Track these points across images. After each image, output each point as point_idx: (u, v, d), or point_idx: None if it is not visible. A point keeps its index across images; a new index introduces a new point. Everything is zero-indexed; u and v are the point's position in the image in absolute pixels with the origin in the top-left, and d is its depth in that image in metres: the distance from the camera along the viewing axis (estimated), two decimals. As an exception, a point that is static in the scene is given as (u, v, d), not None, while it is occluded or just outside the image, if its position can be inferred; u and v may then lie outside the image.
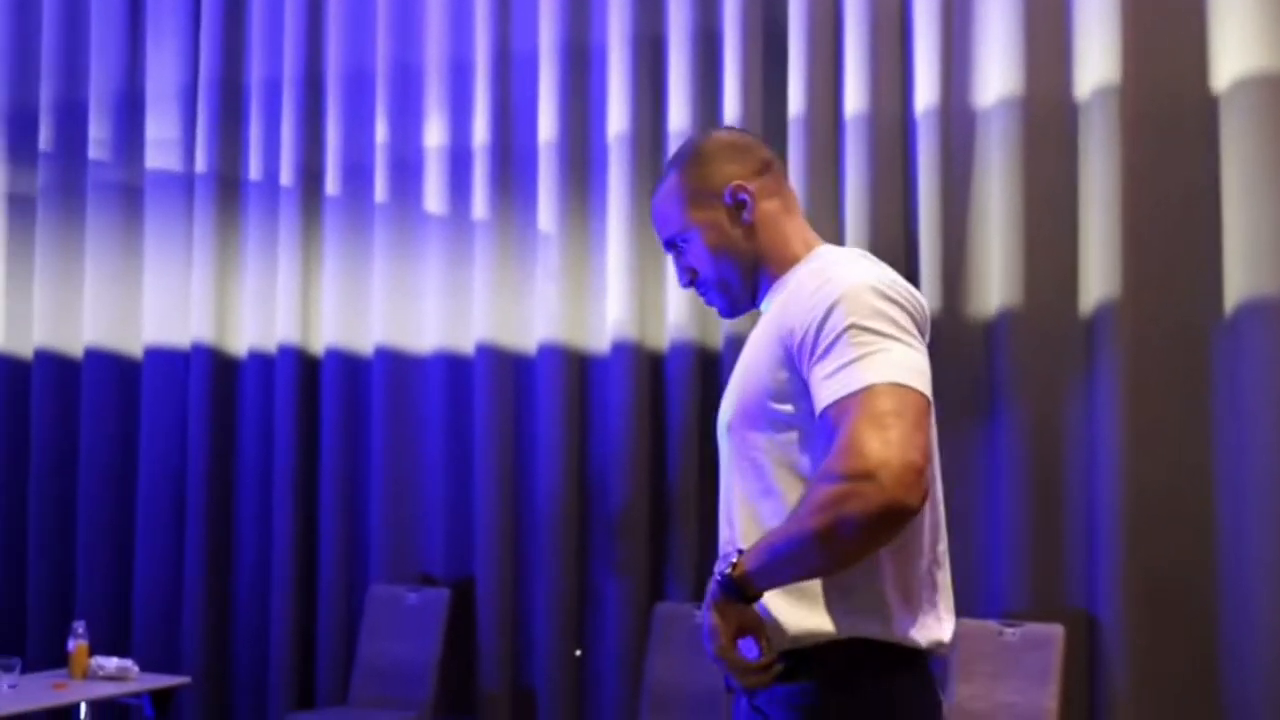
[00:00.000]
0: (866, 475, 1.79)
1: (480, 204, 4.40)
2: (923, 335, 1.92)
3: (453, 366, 4.42)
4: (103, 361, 4.93)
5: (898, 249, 3.90)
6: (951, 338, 3.80)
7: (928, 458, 1.84)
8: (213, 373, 4.78)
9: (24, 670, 3.98)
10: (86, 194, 4.97)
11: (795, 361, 1.92)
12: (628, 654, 4.13)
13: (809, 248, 2.05)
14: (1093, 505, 3.65)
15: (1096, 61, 3.65)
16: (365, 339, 4.58)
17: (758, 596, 1.88)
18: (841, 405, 1.85)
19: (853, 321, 1.87)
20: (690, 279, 2.08)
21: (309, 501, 4.63)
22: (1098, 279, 3.65)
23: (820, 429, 1.89)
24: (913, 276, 3.87)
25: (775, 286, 2.03)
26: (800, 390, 1.92)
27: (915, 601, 1.92)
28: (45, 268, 5.01)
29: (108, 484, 4.90)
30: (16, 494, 5.01)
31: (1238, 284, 3.53)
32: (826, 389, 1.87)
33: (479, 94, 4.42)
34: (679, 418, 4.11)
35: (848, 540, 1.79)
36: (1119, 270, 3.61)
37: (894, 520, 1.79)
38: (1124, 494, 3.58)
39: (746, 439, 2.01)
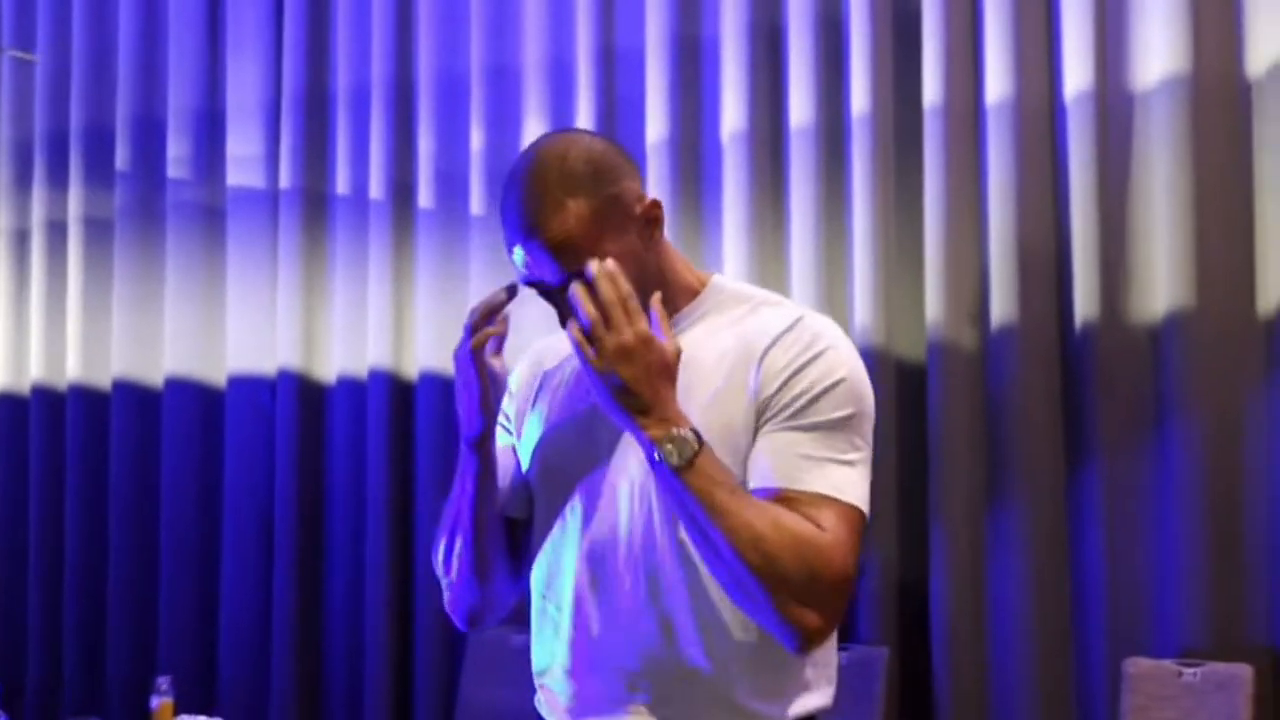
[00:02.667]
0: (830, 583, 1.71)
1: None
2: None
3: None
4: (185, 391, 4.67)
5: (1048, 249, 3.56)
6: (1113, 346, 3.46)
7: None
8: (300, 401, 4.50)
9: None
10: (165, 215, 4.73)
11: (757, 417, 1.79)
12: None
13: (700, 279, 1.94)
14: (1277, 529, 3.29)
15: (1272, 32, 3.31)
16: (462, 361, 4.28)
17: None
18: (824, 505, 1.73)
19: (846, 411, 1.77)
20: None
21: (405, 537, 4.33)
22: (1278, 275, 3.29)
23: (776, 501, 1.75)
24: (1065, 279, 3.54)
25: (680, 321, 1.87)
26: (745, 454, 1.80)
27: None
28: (123, 293, 4.77)
29: (191, 524, 4.64)
30: (96, 537, 4.76)
31: None
32: (809, 472, 1.75)
33: (581, 95, 4.13)
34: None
35: (774, 577, 1.69)
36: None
37: (803, 627, 1.72)
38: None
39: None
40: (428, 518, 4.25)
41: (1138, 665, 3.29)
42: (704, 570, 1.77)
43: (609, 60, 4.14)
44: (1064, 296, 3.55)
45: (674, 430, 1.72)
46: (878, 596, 3.63)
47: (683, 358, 1.77)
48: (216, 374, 4.68)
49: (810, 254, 3.79)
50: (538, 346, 2.05)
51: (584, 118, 4.11)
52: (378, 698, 4.29)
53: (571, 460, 1.89)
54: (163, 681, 3.76)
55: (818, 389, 1.77)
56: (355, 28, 4.50)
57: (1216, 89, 3.41)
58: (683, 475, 1.70)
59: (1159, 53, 3.43)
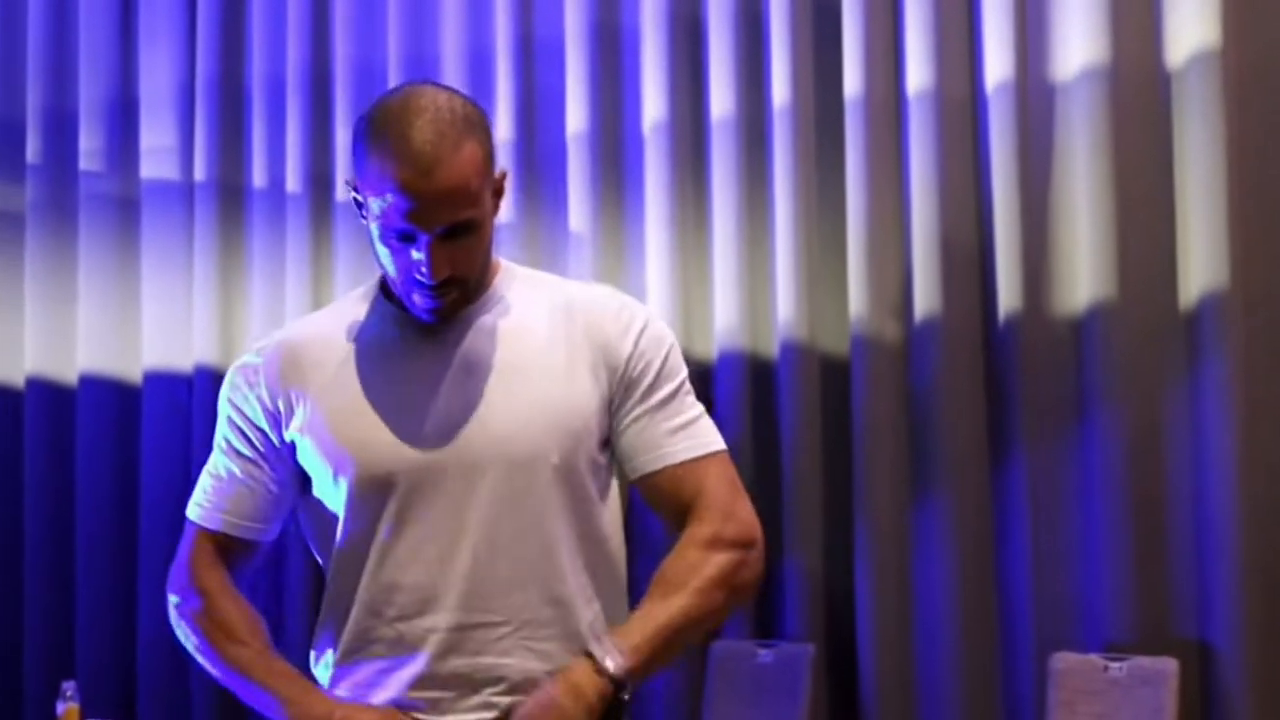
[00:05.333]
0: (751, 543, 1.84)
1: (505, 204, 4.02)
2: None
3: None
4: (99, 388, 4.57)
5: (970, 241, 3.54)
6: (1036, 339, 3.45)
7: None
8: (214, 395, 4.41)
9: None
10: (78, 208, 4.62)
11: (612, 402, 1.85)
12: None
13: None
14: (1201, 521, 3.29)
15: (1192, 24, 3.29)
16: (382, 356, 4.23)
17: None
18: (698, 466, 1.85)
19: (684, 373, 1.89)
20: (448, 274, 1.75)
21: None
22: (1200, 267, 3.29)
23: (656, 485, 1.85)
24: (988, 271, 3.53)
25: (484, 298, 1.85)
26: (605, 432, 1.86)
27: None
28: (35, 289, 4.66)
29: (108, 524, 4.55)
30: (10, 538, 4.66)
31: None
32: (674, 443, 1.85)
33: (500, 85, 4.07)
34: (730, 433, 3.74)
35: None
36: (1224, 256, 3.25)
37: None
38: (1236, 507, 3.22)
39: (566, 481, 1.83)
40: None
41: (1064, 660, 3.29)
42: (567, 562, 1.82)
43: (528, 50, 4.08)
44: (987, 289, 3.53)
45: (602, 683, 1.72)
46: (803, 593, 3.61)
47: (512, 328, 1.83)
48: (132, 370, 4.58)
49: (732, 246, 3.75)
50: (281, 342, 1.92)
51: (503, 108, 4.05)
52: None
53: (404, 456, 1.81)
54: (68, 687, 3.67)
55: (657, 364, 1.86)
56: (270, 17, 4.41)
57: (1136, 80, 3.40)
58: (645, 674, 1.76)
59: (1079, 43, 3.42)
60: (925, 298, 3.52)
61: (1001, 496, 3.48)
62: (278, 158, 4.39)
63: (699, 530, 1.81)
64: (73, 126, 4.65)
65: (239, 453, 1.90)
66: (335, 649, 1.87)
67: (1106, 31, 3.38)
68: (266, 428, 1.87)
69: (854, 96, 3.60)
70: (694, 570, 1.79)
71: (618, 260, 3.95)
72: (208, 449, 4.37)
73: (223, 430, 1.93)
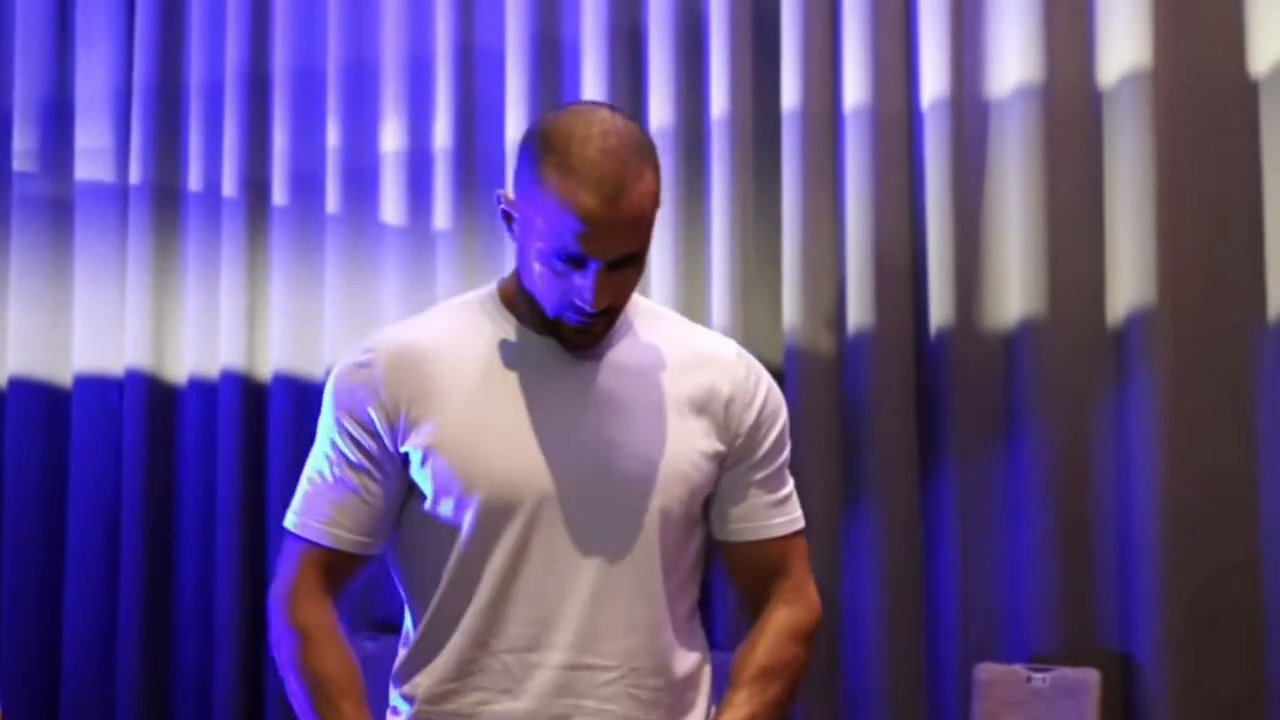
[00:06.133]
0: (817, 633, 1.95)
1: (442, 213, 4.04)
2: None
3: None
4: (28, 391, 4.52)
5: (904, 255, 3.57)
6: (967, 353, 3.48)
7: None
8: (149, 402, 4.38)
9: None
10: (10, 209, 4.56)
11: (724, 462, 1.86)
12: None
13: None
14: (1126, 535, 3.33)
15: (1124, 44, 3.34)
16: (317, 362, 4.20)
17: None
18: (789, 542, 1.91)
19: (789, 445, 1.94)
20: (608, 304, 1.75)
21: (256, 543, 4.23)
22: (1128, 284, 3.33)
23: (746, 553, 1.88)
24: (921, 284, 3.56)
25: (615, 329, 1.84)
26: (712, 490, 1.88)
27: None
28: (-35, 290, 4.62)
29: (34, 530, 4.48)
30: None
31: (1283, 286, 3.22)
32: (774, 517, 1.89)
33: (440, 93, 4.07)
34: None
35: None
36: (1152, 273, 3.29)
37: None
38: (1161, 522, 3.26)
39: (674, 531, 1.84)
40: (280, 522, 4.14)
41: (988, 670, 3.31)
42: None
43: (468, 59, 4.08)
44: (920, 303, 3.56)
45: None
46: (732, 602, 3.62)
47: (644, 368, 1.83)
48: (62, 373, 4.53)
49: (669, 256, 3.76)
50: (399, 347, 1.85)
51: (443, 116, 4.05)
52: (227, 708, 4.19)
53: (533, 485, 1.78)
54: (-8, 693, 3.64)
55: (773, 437, 1.89)
56: (209, 19, 4.38)
57: (1068, 98, 3.44)
58: None
59: (1013, 61, 3.45)
60: (859, 310, 3.54)
61: (930, 508, 3.50)
62: (214, 161, 4.35)
63: (793, 618, 1.89)
64: (6, 127, 4.59)
65: (351, 461, 1.83)
66: (427, 675, 1.84)
67: (1040, 50, 3.42)
68: (384, 436, 1.81)
69: (791, 110, 3.62)
70: (788, 667, 1.86)
71: (554, 269, 3.95)
72: (139, 454, 4.41)
73: (330, 435, 1.85)
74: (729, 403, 1.85)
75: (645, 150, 1.71)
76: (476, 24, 4.09)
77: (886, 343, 3.52)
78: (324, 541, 1.85)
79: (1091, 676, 3.21)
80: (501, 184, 4.01)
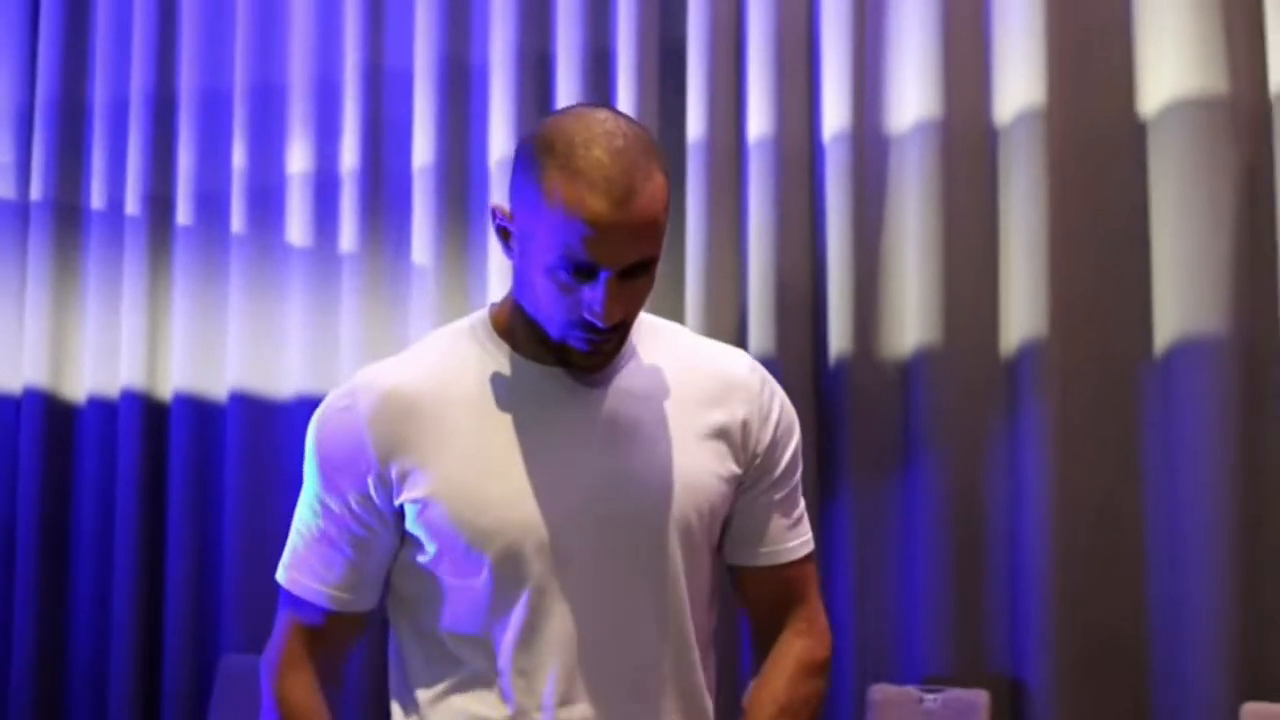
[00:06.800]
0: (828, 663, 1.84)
1: (348, 235, 4.05)
2: None
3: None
4: (-77, 408, 4.45)
5: (804, 284, 3.63)
6: (865, 381, 3.54)
7: None
8: (47, 421, 4.33)
9: None
10: (-93, 224, 4.51)
11: (742, 484, 1.75)
12: None
13: None
14: (1018, 562, 3.40)
15: (1019, 83, 3.43)
16: (219, 383, 4.19)
17: None
18: (803, 566, 1.81)
19: (801, 462, 1.82)
20: (620, 317, 1.58)
21: (155, 564, 4.20)
22: (1020, 315, 3.41)
23: (762, 579, 1.79)
24: (820, 313, 3.62)
25: (622, 351, 1.70)
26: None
27: None
28: None
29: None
30: None
31: (1168, 319, 3.31)
32: (790, 540, 1.80)
33: (347, 115, 4.08)
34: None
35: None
36: (1044, 305, 3.37)
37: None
38: (1051, 547, 3.33)
39: (698, 559, 1.73)
40: (179, 542, 4.12)
41: (882, 691, 3.37)
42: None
43: (376, 81, 4.09)
44: (819, 331, 3.62)
45: None
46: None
47: (654, 389, 1.70)
48: (-42, 391, 4.48)
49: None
50: (385, 390, 1.68)
51: (350, 138, 4.05)
52: (122, 726, 4.15)
53: (550, 529, 1.64)
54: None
55: (789, 454, 1.79)
56: (115, 37, 4.37)
57: (966, 134, 3.52)
58: None
59: (912, 97, 3.53)
60: (760, 338, 3.60)
61: (828, 533, 3.56)
62: (118, 179, 4.33)
63: (809, 651, 1.79)
64: (-95, 141, 4.55)
65: (338, 517, 1.68)
66: None
67: (939, 87, 3.50)
68: (373, 491, 1.66)
69: (696, 140, 3.68)
70: (807, 704, 1.76)
71: (461, 293, 3.97)
72: (34, 474, 4.36)
73: (316, 491, 1.69)
74: (745, 423, 1.73)
75: (653, 151, 1.57)
76: (385, 46, 4.11)
77: (787, 370, 3.57)
78: (315, 601, 1.71)
79: (981, 698, 3.28)
80: (408, 209, 4.02)
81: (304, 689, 1.72)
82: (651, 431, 1.68)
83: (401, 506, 1.66)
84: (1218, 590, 3.18)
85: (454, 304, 3.95)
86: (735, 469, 1.73)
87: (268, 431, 4.11)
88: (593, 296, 1.55)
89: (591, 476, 1.65)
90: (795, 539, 1.81)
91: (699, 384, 1.74)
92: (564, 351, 1.64)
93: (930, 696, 3.32)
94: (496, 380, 1.67)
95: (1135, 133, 3.39)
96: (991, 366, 3.48)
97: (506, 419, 1.65)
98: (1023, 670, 3.35)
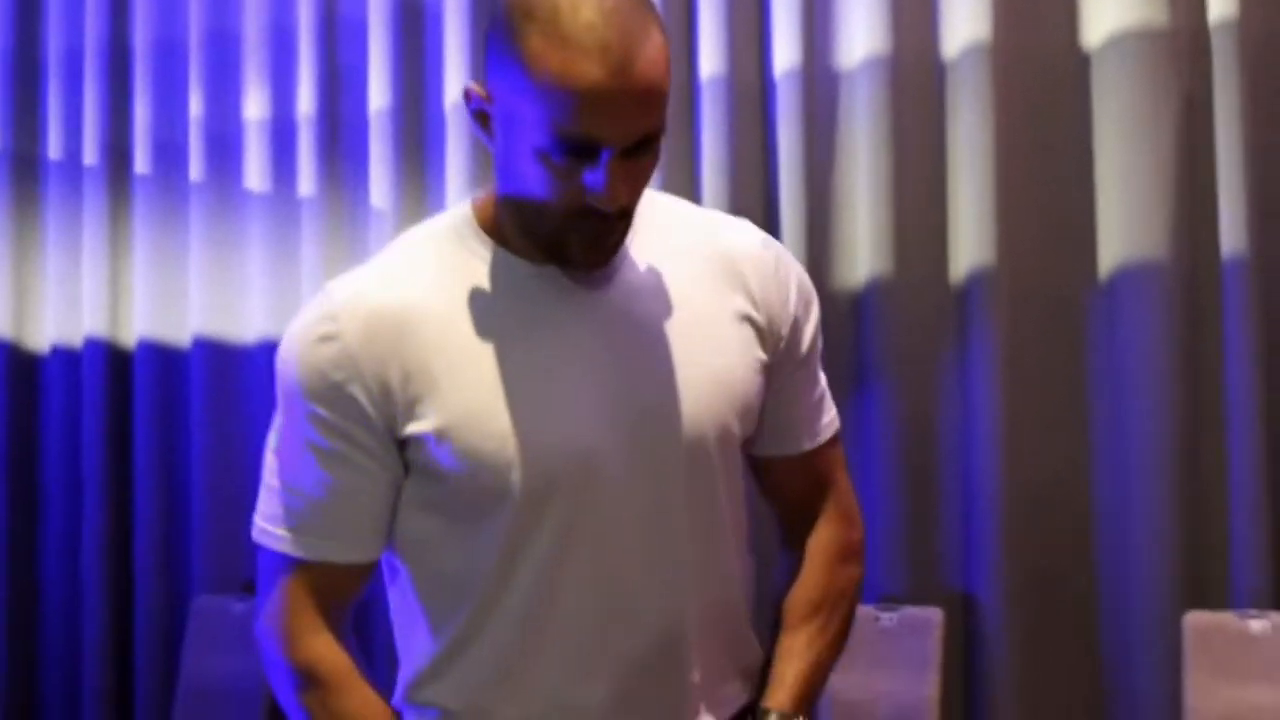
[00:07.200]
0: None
1: (306, 179, 4.09)
2: None
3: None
4: (-115, 361, 4.47)
5: (758, 218, 3.70)
6: (821, 312, 3.60)
7: None
8: (11, 370, 4.37)
9: None
10: None
11: (768, 370, 1.57)
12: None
13: None
14: (968, 482, 3.50)
15: (965, 18, 3.50)
16: (182, 329, 4.23)
17: None
18: (835, 449, 1.68)
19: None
20: (626, 200, 1.39)
21: (122, 508, 4.26)
22: (969, 246, 3.49)
23: (795, 467, 1.64)
24: (775, 248, 3.68)
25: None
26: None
27: None
28: None
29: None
30: None
31: (1112, 247, 3.40)
32: (822, 417, 1.66)
33: (303, 62, 4.11)
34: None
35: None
36: (992, 236, 3.46)
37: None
38: (1000, 469, 3.43)
39: (734, 464, 1.57)
40: (147, 487, 4.17)
41: (840, 613, 3.47)
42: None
43: (331, 28, 4.12)
44: (774, 265, 3.68)
45: None
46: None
47: (668, 280, 1.51)
48: (-80, 343, 4.50)
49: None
50: (370, 309, 1.46)
51: (306, 85, 4.09)
52: (96, 668, 4.21)
53: (573, 454, 1.45)
54: None
55: (810, 327, 1.62)
56: (68, -12, 4.38)
57: (914, 69, 3.59)
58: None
59: (861, 34, 3.59)
60: (716, 273, 3.66)
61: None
62: (74, 130, 4.36)
63: (840, 536, 1.66)
64: None
65: (336, 456, 1.46)
66: (467, 676, 1.52)
67: (887, 24, 3.56)
68: (375, 421, 1.45)
69: (649, 79, 3.72)
70: (844, 595, 1.65)
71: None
72: (0, 425, 4.34)
73: (302, 430, 1.47)
74: (766, 303, 1.55)
75: (647, 8, 1.36)
76: (339, -7, 4.14)
77: (742, 304, 3.63)
78: (319, 557, 1.49)
79: (936, 615, 3.38)
80: (365, 153, 4.05)
81: (331, 649, 1.51)
82: (672, 328, 1.49)
83: (406, 440, 1.46)
84: (1160, 506, 3.29)
85: (414, 246, 3.98)
86: (763, 355, 1.55)
87: (232, 376, 4.16)
88: (594, 179, 1.36)
89: (616, 388, 1.46)
90: (825, 417, 1.66)
91: (710, 265, 1.55)
92: (562, 248, 1.44)
93: (886, 615, 3.42)
94: (495, 287, 1.47)
95: (1079, 65, 3.47)
96: (942, 296, 3.57)
97: (512, 331, 1.45)
98: (974, 587, 3.46)
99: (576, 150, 1.35)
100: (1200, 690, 3.14)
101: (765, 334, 1.56)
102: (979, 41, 3.47)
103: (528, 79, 1.33)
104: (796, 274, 1.62)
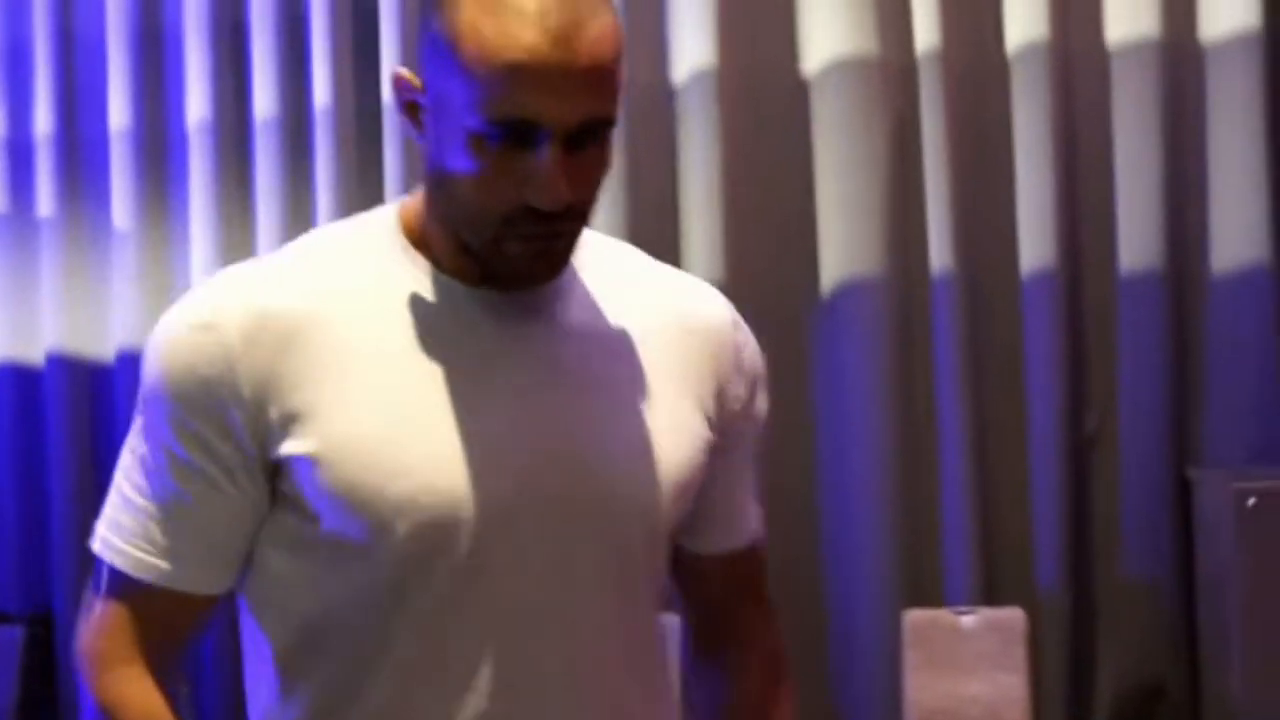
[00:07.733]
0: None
1: (45, 200, 4.03)
2: None
3: (20, 378, 4.03)
4: None
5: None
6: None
7: None
8: None
9: None
10: None
11: (714, 450, 1.36)
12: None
13: None
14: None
15: (691, 44, 3.64)
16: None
17: None
18: (762, 553, 1.47)
19: None
20: (570, 201, 1.20)
21: (38, 527, 4.06)
22: (700, 264, 3.62)
23: (724, 564, 1.43)
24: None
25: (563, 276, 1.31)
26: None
27: None
28: None
29: None
30: None
31: (832, 265, 3.59)
32: (752, 514, 1.45)
33: (40, 81, 4.05)
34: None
35: None
36: (721, 254, 3.61)
37: None
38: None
39: (663, 553, 1.35)
40: (61, 508, 3.97)
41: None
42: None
43: (68, 46, 4.08)
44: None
45: None
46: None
47: (611, 325, 1.31)
48: None
49: (277, 244, 3.86)
50: (257, 309, 1.25)
51: (44, 104, 4.04)
52: None
53: (475, 497, 1.24)
54: None
55: (759, 408, 1.43)
56: None
57: (643, 95, 3.65)
58: None
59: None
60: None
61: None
62: None
63: (774, 664, 1.49)
64: None
65: (191, 470, 1.25)
66: None
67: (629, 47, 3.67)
68: (241, 434, 1.25)
69: (390, 104, 3.79)
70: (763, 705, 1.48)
71: (162, 258, 4.00)
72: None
73: (157, 431, 1.27)
74: (722, 383, 1.37)
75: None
76: (75, 13, 4.09)
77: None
78: (147, 577, 1.28)
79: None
80: (106, 173, 4.02)
81: (138, 685, 1.28)
82: (616, 383, 1.30)
83: (278, 461, 1.25)
84: (880, 512, 3.49)
85: (157, 268, 3.98)
86: (710, 435, 1.35)
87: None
88: (532, 167, 1.18)
89: (538, 437, 1.26)
90: (756, 516, 1.46)
91: (668, 329, 1.35)
92: (499, 259, 1.23)
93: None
94: (412, 302, 1.27)
95: (799, 91, 3.64)
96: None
97: (423, 356, 1.25)
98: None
99: (512, 134, 1.18)
100: (918, 684, 3.34)
101: (716, 414, 1.36)
102: (705, 67, 3.61)
103: (458, 54, 1.18)
104: (753, 344, 1.43)
